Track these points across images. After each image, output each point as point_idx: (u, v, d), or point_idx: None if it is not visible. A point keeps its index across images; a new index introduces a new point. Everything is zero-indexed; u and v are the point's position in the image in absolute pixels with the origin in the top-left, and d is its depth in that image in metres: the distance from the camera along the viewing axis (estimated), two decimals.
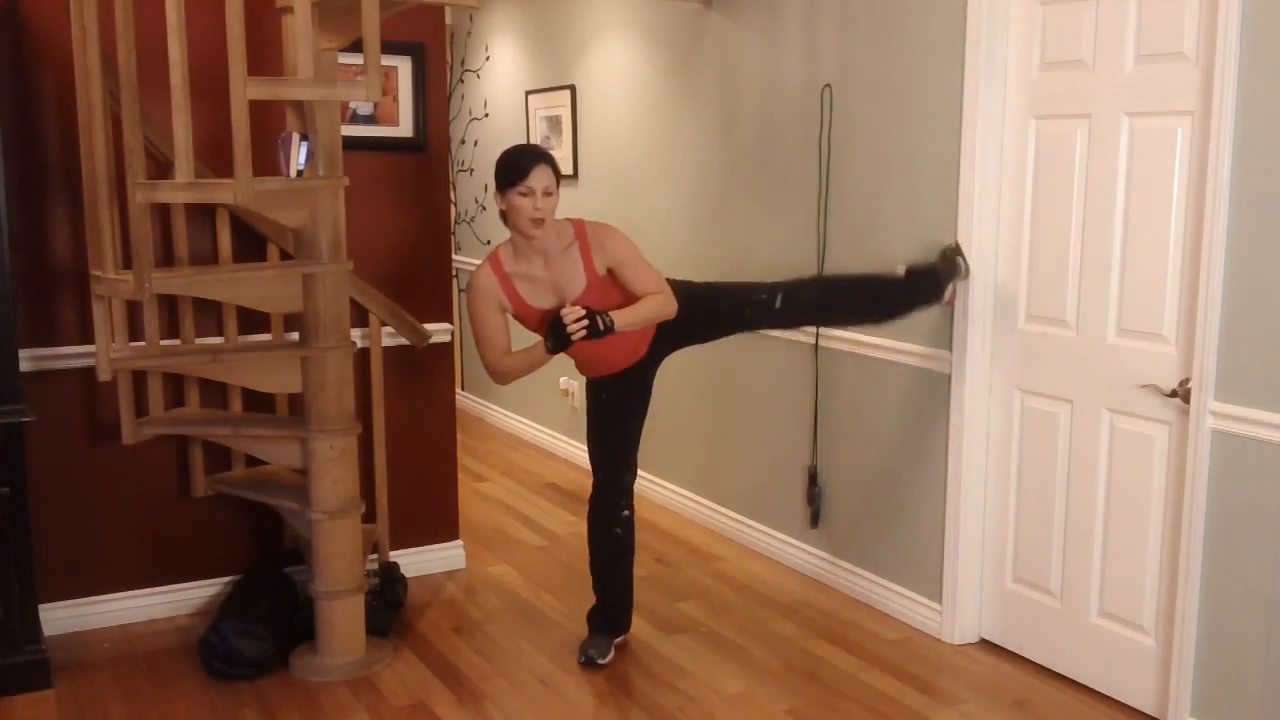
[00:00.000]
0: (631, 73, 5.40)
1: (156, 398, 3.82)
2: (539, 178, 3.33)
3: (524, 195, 3.33)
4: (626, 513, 3.73)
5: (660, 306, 3.49)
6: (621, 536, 3.73)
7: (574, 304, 3.37)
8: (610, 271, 3.47)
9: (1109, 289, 3.36)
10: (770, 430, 4.65)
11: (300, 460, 3.64)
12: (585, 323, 3.31)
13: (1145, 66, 3.21)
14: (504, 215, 3.41)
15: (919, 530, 3.98)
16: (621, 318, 3.39)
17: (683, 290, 3.61)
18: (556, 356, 3.45)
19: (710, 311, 3.70)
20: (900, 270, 3.70)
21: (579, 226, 3.48)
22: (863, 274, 3.81)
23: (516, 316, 3.52)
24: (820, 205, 4.28)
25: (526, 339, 3.46)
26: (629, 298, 3.48)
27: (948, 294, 3.66)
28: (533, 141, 6.30)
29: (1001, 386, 3.74)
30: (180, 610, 4.08)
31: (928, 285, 3.66)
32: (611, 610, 3.79)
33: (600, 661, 3.68)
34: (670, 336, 3.66)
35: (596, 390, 3.72)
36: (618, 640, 3.79)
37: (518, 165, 3.34)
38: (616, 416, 3.72)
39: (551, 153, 3.47)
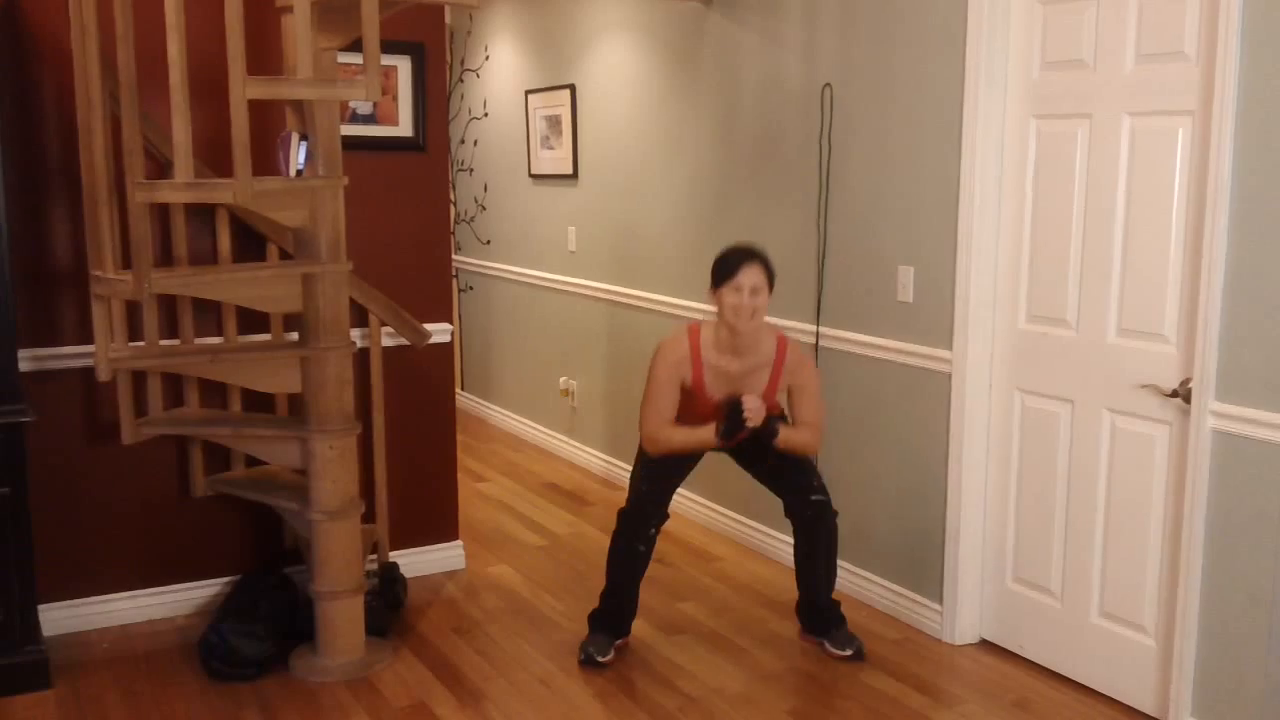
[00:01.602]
0: (631, 72, 5.40)
1: (156, 398, 3.82)
2: (748, 276, 3.47)
3: (736, 291, 3.47)
4: (654, 533, 3.77)
5: (812, 440, 3.64)
6: (645, 554, 3.76)
7: (757, 401, 3.48)
8: (786, 392, 3.63)
9: (1109, 289, 3.36)
10: None
11: (300, 460, 3.64)
12: (764, 416, 3.47)
13: (1146, 66, 3.20)
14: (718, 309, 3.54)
15: (919, 530, 3.98)
16: (783, 433, 3.56)
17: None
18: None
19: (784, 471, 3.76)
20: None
21: (782, 346, 3.62)
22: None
23: (686, 393, 3.61)
24: (820, 205, 4.27)
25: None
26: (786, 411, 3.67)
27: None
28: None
29: (1001, 386, 3.73)
30: (180, 610, 4.08)
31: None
32: (615, 615, 3.80)
33: (600, 660, 3.68)
34: (743, 452, 3.76)
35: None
36: (618, 642, 3.79)
37: (728, 264, 3.50)
38: (681, 472, 3.80)
39: (766, 255, 3.56)
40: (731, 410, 3.49)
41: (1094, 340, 3.42)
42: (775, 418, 3.57)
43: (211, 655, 3.58)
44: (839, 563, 3.93)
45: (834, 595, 3.85)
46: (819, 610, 3.83)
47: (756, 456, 3.75)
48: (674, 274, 5.16)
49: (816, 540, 3.77)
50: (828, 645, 3.78)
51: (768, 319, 3.62)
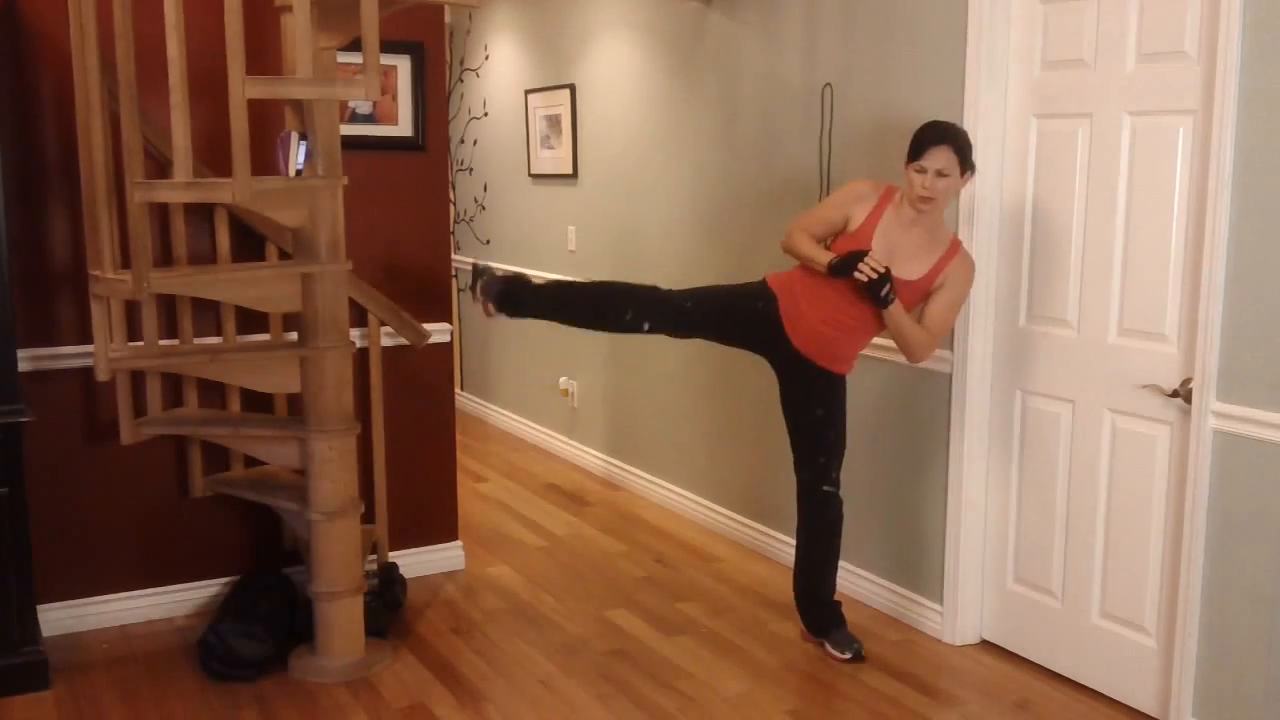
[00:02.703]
0: (631, 72, 5.40)
1: (155, 398, 3.82)
2: (935, 158, 3.35)
3: (919, 172, 3.38)
4: (647, 327, 3.68)
5: (921, 340, 3.51)
6: (618, 319, 3.71)
7: (886, 266, 3.38)
8: (936, 289, 3.51)
9: (1110, 288, 3.36)
10: (770, 430, 4.64)
11: (299, 460, 3.63)
12: (876, 275, 3.35)
13: (1147, 65, 3.20)
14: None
15: (920, 531, 3.98)
16: (897, 309, 3.43)
17: None
18: None
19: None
20: None
21: (955, 244, 3.52)
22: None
23: (850, 233, 3.52)
24: None
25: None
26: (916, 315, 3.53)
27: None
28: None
29: (1002, 386, 3.73)
30: (179, 611, 4.07)
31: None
32: (826, 599, 3.80)
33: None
34: (802, 382, 3.68)
35: (762, 303, 3.65)
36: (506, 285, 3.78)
37: (918, 142, 3.39)
38: (742, 338, 3.74)
39: (961, 134, 3.41)
40: (853, 254, 3.40)
41: (1095, 340, 3.42)
42: (890, 287, 3.38)
43: (210, 656, 3.58)
44: (840, 563, 3.92)
45: (835, 596, 3.85)
46: (819, 606, 3.82)
47: (803, 405, 3.68)
48: (674, 274, 5.15)
49: (817, 526, 3.75)
50: (828, 646, 3.77)
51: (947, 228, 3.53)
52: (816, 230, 3.57)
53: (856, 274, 3.38)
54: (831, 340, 3.57)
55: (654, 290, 3.74)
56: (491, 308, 3.73)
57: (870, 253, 3.40)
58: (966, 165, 3.41)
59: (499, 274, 3.72)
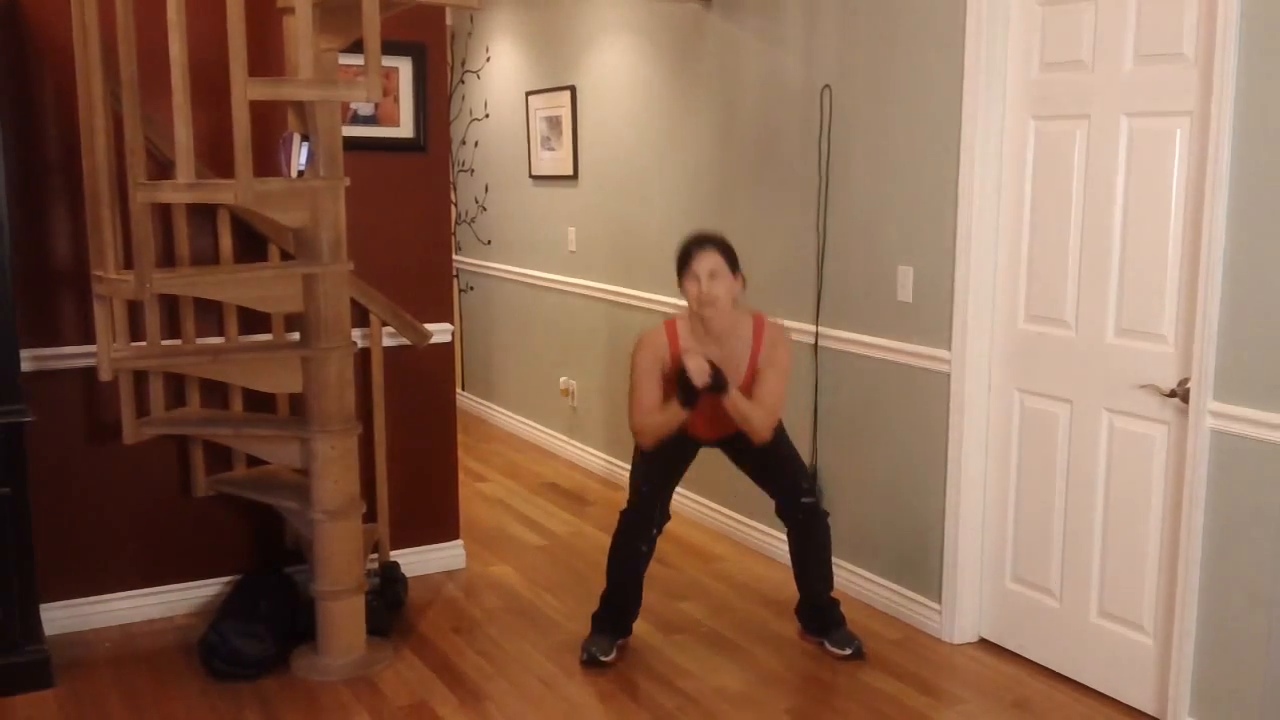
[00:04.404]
0: (631, 73, 5.41)
1: (157, 398, 3.83)
2: (703, 262, 3.51)
3: (693, 281, 3.52)
4: (656, 533, 3.77)
5: (762, 419, 3.58)
6: (647, 554, 3.77)
7: (705, 360, 3.47)
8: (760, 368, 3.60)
9: (1108, 289, 3.37)
10: None
11: (301, 460, 3.64)
12: (709, 374, 3.44)
13: (1144, 67, 3.21)
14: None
15: (919, 530, 3.99)
16: (736, 394, 3.51)
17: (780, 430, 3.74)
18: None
19: (773, 460, 3.78)
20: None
21: (759, 323, 3.63)
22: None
23: (670, 382, 3.61)
24: (820, 205, 4.28)
25: None
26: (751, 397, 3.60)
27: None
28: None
29: (1001, 386, 3.74)
30: (180, 610, 4.08)
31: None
32: (618, 615, 3.80)
33: (603, 659, 3.68)
34: (735, 448, 3.79)
35: (683, 437, 3.75)
36: (619, 642, 3.79)
37: (683, 255, 3.57)
38: (678, 468, 3.81)
39: (722, 239, 3.60)
40: (679, 378, 3.49)
41: (1093, 340, 3.43)
42: (722, 375, 3.48)
43: (212, 655, 3.59)
44: (837, 561, 3.94)
45: (834, 595, 3.86)
46: (818, 610, 3.84)
47: (748, 455, 3.76)
48: (673, 274, 5.16)
49: (806, 542, 3.79)
50: (827, 645, 3.79)
51: (747, 304, 3.63)
52: (653, 401, 3.62)
53: (696, 381, 3.44)
54: (723, 417, 3.62)
55: (630, 529, 3.76)
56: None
57: (685, 361, 3.46)
58: (734, 265, 3.55)
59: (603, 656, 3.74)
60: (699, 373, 3.45)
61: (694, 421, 3.65)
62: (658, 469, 3.75)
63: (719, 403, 3.54)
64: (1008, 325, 3.70)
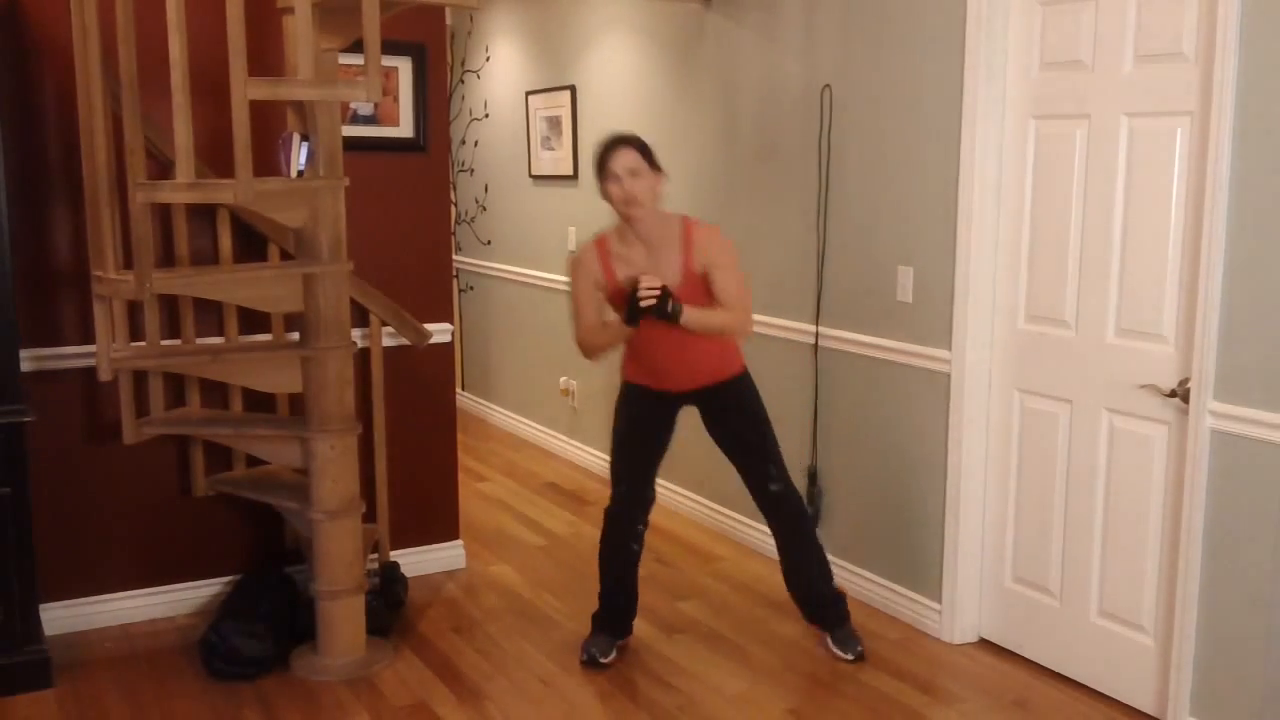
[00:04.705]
0: (631, 73, 5.41)
1: (157, 398, 3.83)
2: (619, 161, 3.43)
3: (613, 182, 3.44)
4: (642, 528, 3.75)
5: (733, 320, 3.49)
6: (637, 550, 3.75)
7: (654, 281, 3.37)
8: (705, 274, 3.48)
9: (1108, 289, 3.37)
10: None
11: (301, 460, 3.64)
12: (656, 294, 3.34)
13: (1144, 67, 3.21)
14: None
15: (919, 530, 3.99)
16: (692, 313, 3.41)
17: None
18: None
19: (752, 437, 3.69)
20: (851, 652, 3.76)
21: (687, 223, 3.55)
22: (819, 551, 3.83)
23: (609, 298, 3.55)
24: (820, 205, 4.28)
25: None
26: (714, 306, 3.49)
27: None
28: (537, 135, 6.31)
29: (1001, 386, 3.74)
30: (180, 610, 4.08)
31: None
32: (616, 615, 3.80)
33: (602, 660, 3.68)
34: (709, 406, 3.68)
35: (640, 403, 3.70)
36: (619, 642, 3.79)
37: (601, 155, 3.48)
38: (663, 434, 3.74)
39: (638, 138, 3.51)
40: (627, 296, 3.41)
41: (1093, 340, 3.43)
42: (672, 298, 3.36)
43: (212, 655, 3.59)
44: (838, 562, 3.93)
45: (840, 589, 3.83)
46: (820, 602, 3.81)
47: (720, 421, 3.68)
48: None
49: (782, 530, 3.74)
50: (830, 643, 3.78)
51: (681, 213, 3.57)
52: (592, 319, 3.58)
53: (644, 304, 3.35)
54: (694, 359, 3.57)
55: (614, 528, 3.75)
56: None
57: (634, 280, 3.38)
58: (653, 162, 3.48)
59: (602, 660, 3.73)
60: (648, 294, 3.34)
61: (666, 368, 3.59)
62: (636, 454, 3.72)
63: (675, 334, 3.43)
64: (1008, 325, 3.70)
